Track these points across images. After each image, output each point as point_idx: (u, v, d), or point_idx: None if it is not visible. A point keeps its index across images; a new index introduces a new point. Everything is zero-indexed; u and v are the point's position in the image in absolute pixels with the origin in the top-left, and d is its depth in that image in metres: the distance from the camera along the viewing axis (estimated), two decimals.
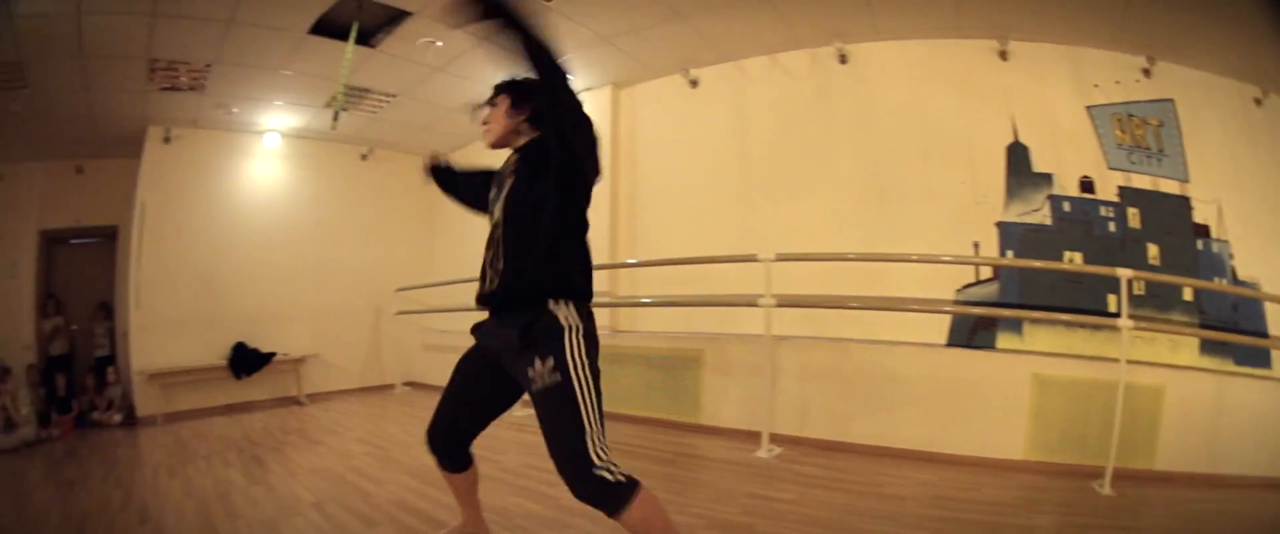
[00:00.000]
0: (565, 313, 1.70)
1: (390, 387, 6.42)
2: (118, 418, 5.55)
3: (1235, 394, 3.49)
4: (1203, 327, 3.91)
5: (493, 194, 1.85)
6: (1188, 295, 3.95)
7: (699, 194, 4.93)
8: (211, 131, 5.95)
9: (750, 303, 3.65)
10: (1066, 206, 4.01)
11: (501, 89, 1.86)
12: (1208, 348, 3.84)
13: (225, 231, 5.98)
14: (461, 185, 2.20)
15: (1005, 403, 3.49)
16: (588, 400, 1.64)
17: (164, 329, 5.64)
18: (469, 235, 6.33)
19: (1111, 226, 4.00)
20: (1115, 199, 4.01)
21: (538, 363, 1.65)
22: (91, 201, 6.26)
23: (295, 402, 5.96)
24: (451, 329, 6.07)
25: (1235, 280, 4.00)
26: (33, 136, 5.60)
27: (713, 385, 4.19)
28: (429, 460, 2.66)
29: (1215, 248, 4.02)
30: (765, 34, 4.36)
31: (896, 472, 3.27)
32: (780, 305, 3.60)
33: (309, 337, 6.16)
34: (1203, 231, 4.05)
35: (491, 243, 1.79)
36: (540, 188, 1.70)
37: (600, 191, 4.05)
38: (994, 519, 2.58)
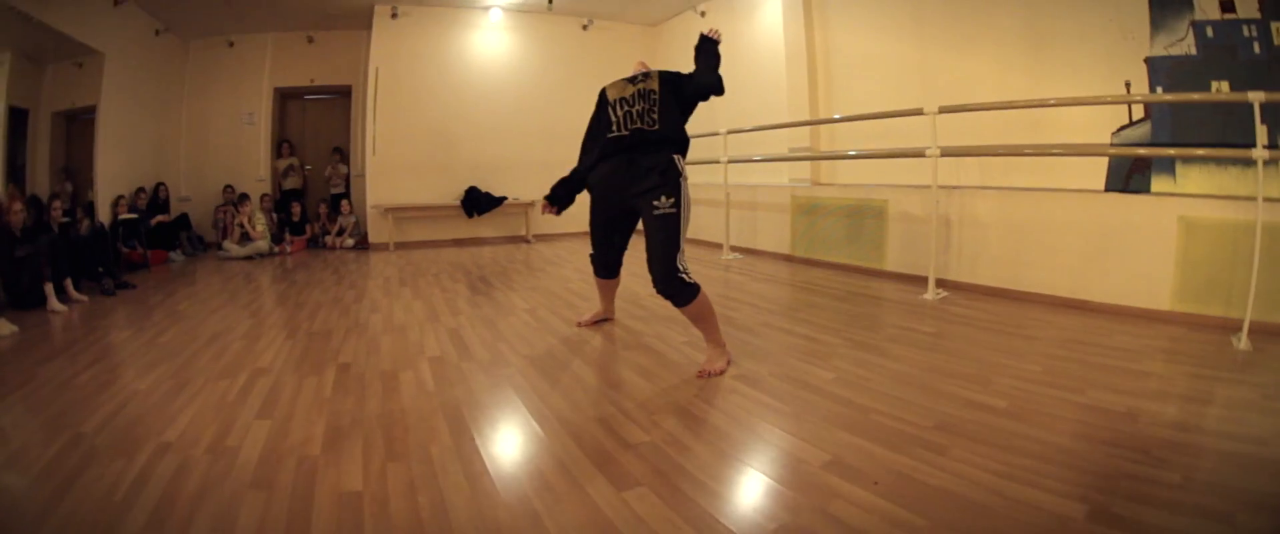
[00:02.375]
0: (681, 164, 2.84)
1: None
2: (351, 242, 7.08)
3: None
4: None
5: (629, 98, 2.95)
6: None
7: (885, 50, 5.65)
8: (436, 8, 7.09)
9: (918, 154, 4.29)
10: (1209, 32, 3.93)
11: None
12: None
13: (456, 93, 7.24)
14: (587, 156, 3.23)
15: (1153, 249, 3.68)
16: (683, 228, 2.72)
17: (399, 172, 7.00)
18: None
19: (1256, 47, 3.82)
20: (1257, 16, 3.82)
21: (663, 198, 2.72)
22: (322, 66, 7.69)
23: (523, 240, 7.45)
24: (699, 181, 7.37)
25: None
26: (265, 11, 6.89)
27: (895, 233, 5.05)
28: (638, 288, 4.06)
29: None
30: None
31: (1042, 316, 3.70)
32: (944, 155, 4.24)
33: (539, 186, 7.20)
34: None
35: (645, 100, 2.90)
36: (679, 98, 2.93)
37: (796, 54, 6.09)
38: (1113, 363, 2.74)
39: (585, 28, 7.82)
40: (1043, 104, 4.30)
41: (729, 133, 6.08)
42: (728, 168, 6.12)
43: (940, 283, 4.41)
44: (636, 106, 2.87)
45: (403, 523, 1.48)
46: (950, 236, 4.52)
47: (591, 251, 3.33)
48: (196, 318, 3.89)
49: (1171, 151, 3.89)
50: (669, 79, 2.94)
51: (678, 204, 2.72)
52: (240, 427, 2.13)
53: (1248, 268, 3.14)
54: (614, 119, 2.92)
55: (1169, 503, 1.53)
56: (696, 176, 6.57)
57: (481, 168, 7.37)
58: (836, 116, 5.76)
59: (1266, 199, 3.09)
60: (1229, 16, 3.89)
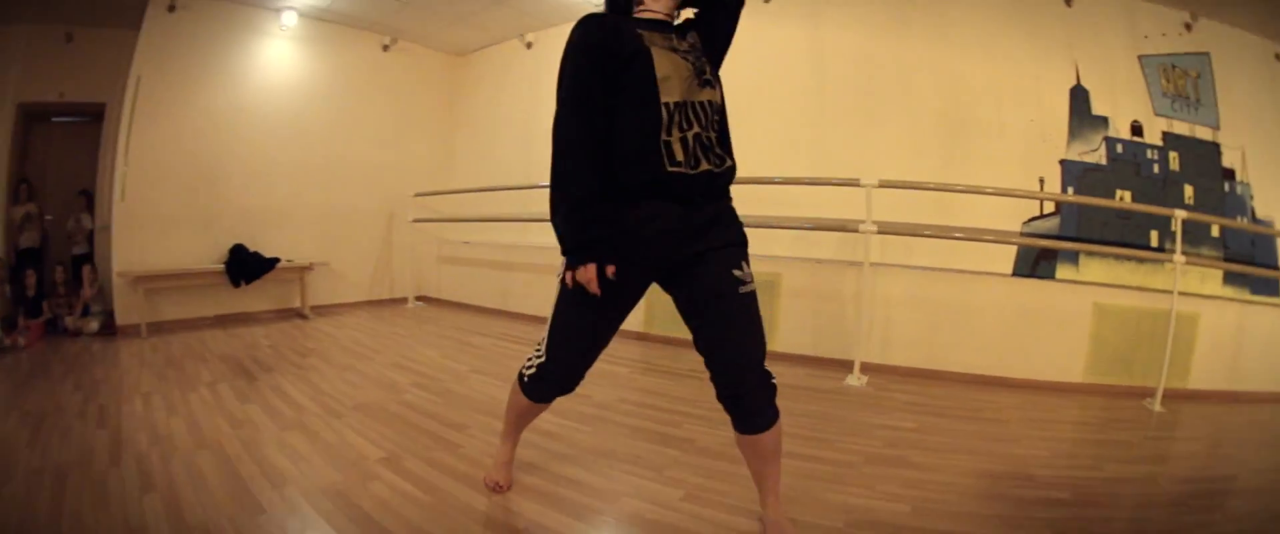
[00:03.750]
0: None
1: (402, 301, 6.48)
2: (94, 325, 5.22)
3: (1254, 320, 4.53)
4: (1226, 260, 4.75)
5: (666, 66, 1.65)
6: (1215, 232, 4.75)
7: (772, 115, 5.15)
8: (224, 3, 5.66)
9: (849, 228, 4.04)
10: (1119, 148, 4.65)
11: None
12: (1229, 279, 4.71)
13: (230, 118, 5.71)
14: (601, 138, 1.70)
15: (1068, 330, 4.20)
16: None
17: (152, 225, 5.32)
18: (495, 137, 6.52)
19: (1156, 169, 4.70)
20: (1160, 143, 4.71)
21: (744, 266, 1.74)
22: (77, 76, 5.82)
23: (299, 315, 5.84)
24: (475, 240, 6.28)
25: (1254, 219, 4.86)
26: None
27: (789, 311, 4.59)
28: (494, 392, 3.07)
29: (1239, 190, 4.82)
30: None
31: (983, 396, 3.77)
32: (881, 232, 3.99)
33: (316, 242, 6.06)
34: (1229, 175, 4.84)
35: (696, 114, 1.68)
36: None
37: None
38: (1084, 434, 3.17)
39: (386, 48, 6.60)
40: (979, 191, 4.32)
41: None
42: None
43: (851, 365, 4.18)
44: (701, 118, 1.69)
45: None
46: (861, 316, 4.21)
47: (549, 358, 1.93)
48: None
49: (1106, 248, 4.47)
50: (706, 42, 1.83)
51: (751, 277, 1.77)
52: None
53: (1150, 344, 4.07)
54: (670, 128, 1.65)
55: None
56: (528, 237, 5.86)
57: (251, 220, 5.77)
58: (777, 177, 5.03)
59: (1162, 290, 4.08)
60: (1137, 139, 4.67)
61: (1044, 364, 4.23)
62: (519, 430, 2.16)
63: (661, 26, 1.73)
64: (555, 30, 6.24)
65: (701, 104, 1.67)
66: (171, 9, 5.33)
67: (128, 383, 3.40)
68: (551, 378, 1.93)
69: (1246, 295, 4.71)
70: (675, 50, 1.68)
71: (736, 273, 1.70)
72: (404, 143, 6.78)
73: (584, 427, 2.79)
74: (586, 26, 1.68)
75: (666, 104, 1.62)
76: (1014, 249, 4.55)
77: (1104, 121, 4.64)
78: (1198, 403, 4.02)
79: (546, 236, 5.27)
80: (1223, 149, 4.82)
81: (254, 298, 5.68)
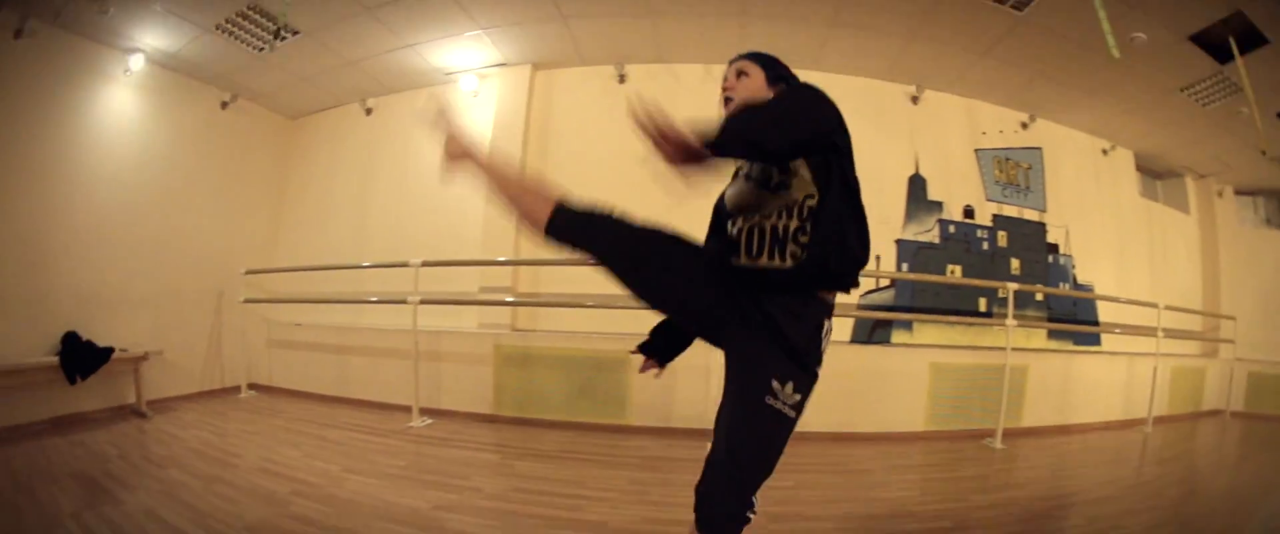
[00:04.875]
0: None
1: (235, 390, 6.34)
2: None
3: (1078, 367, 6.17)
4: (1051, 320, 6.36)
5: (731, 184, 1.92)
6: (1039, 297, 6.31)
7: (618, 194, 5.63)
8: (71, 35, 5.31)
9: None
10: (951, 229, 5.97)
11: (753, 59, 1.94)
12: (1053, 335, 6.30)
13: (64, 177, 5.29)
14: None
15: (908, 387, 5.37)
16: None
17: None
18: (329, 210, 7.10)
19: (985, 246, 6.10)
20: (990, 224, 6.12)
21: (790, 385, 1.66)
22: None
23: (137, 412, 5.48)
24: (307, 322, 6.44)
25: (1076, 285, 6.54)
26: None
27: (641, 386, 5.10)
28: (378, 493, 3.36)
29: (1062, 261, 6.46)
30: (714, 43, 5.50)
31: (843, 450, 4.57)
32: None
33: (147, 328, 5.81)
34: (1053, 249, 6.45)
35: (795, 208, 1.69)
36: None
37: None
38: (941, 473, 4.12)
39: (225, 105, 6.48)
40: None
41: (423, 265, 5.38)
42: (418, 310, 5.28)
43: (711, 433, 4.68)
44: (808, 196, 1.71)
45: None
46: (714, 384, 4.64)
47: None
48: None
49: (942, 318, 5.85)
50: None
51: (802, 405, 1.68)
52: None
53: (985, 394, 5.24)
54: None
55: None
56: (363, 319, 6.19)
57: (84, 303, 5.44)
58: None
59: (1001, 348, 5.14)
60: (969, 221, 6.00)
61: (889, 417, 5.28)
62: None
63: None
64: (396, 96, 6.65)
65: (754, 222, 1.77)
66: (18, 35, 4.93)
67: None
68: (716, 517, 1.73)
69: (1070, 347, 6.33)
70: (741, 176, 1.92)
71: (774, 385, 1.64)
72: (235, 214, 6.76)
73: (496, 523, 2.97)
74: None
75: (735, 233, 1.82)
76: (851, 321, 5.79)
77: (939, 205, 5.92)
78: (1035, 438, 5.42)
79: (383, 318, 5.93)
80: (1048, 227, 6.36)
81: (88, 396, 5.29)
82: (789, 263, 1.65)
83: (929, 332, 5.92)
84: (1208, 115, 6.03)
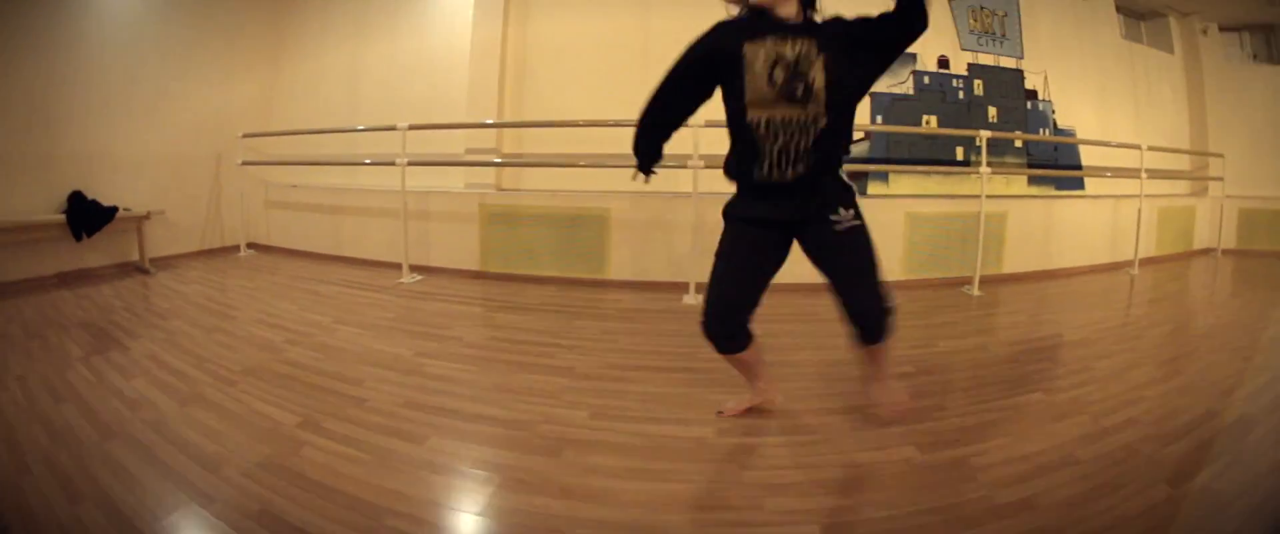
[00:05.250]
0: (846, 176, 2.24)
1: (234, 249, 6.73)
2: None
3: (1059, 212, 6.30)
4: (1030, 166, 6.48)
5: (763, 56, 2.01)
6: (1018, 143, 6.42)
7: (598, 59, 5.94)
8: None
9: (680, 165, 4.74)
10: (926, 80, 6.03)
11: None
12: (1033, 181, 6.50)
13: (66, 45, 5.51)
14: (674, 109, 2.35)
15: (884, 237, 5.13)
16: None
17: None
18: (320, 77, 7.24)
19: (961, 95, 6.15)
20: (965, 73, 6.15)
21: (842, 210, 2.14)
22: None
23: (140, 269, 5.91)
24: (303, 183, 6.74)
25: (1056, 130, 6.63)
26: None
27: (621, 242, 5.41)
28: (366, 342, 3.68)
29: (1041, 107, 6.53)
30: None
31: (811, 300, 4.32)
32: (707, 167, 4.72)
33: (150, 189, 6.09)
34: (1032, 95, 6.49)
35: (781, 129, 2.04)
36: (862, 69, 2.06)
37: (487, 45, 5.86)
38: (914, 321, 4.26)
39: None
40: None
41: (410, 128, 5.59)
42: (406, 171, 5.55)
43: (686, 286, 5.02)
44: (786, 132, 2.06)
45: None
46: (694, 243, 4.84)
47: (705, 299, 2.36)
48: None
49: (921, 167, 5.97)
50: (840, 34, 2.03)
51: (860, 216, 2.22)
52: None
53: (962, 242, 5.44)
54: (758, 142, 2.10)
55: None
56: (341, 179, 6.45)
57: (88, 164, 5.59)
58: (572, 120, 5.55)
59: (978, 196, 5.23)
60: (943, 71, 6.07)
61: None
62: (747, 375, 2.60)
63: (780, 30, 2.03)
64: None
65: (785, 121, 2.03)
66: None
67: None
68: (708, 328, 2.32)
69: (1052, 192, 6.50)
70: (776, 62, 2.00)
71: (833, 219, 2.14)
72: (232, 79, 6.90)
73: (473, 367, 3.23)
74: (705, 34, 2.16)
75: (752, 122, 2.06)
76: None
77: (912, 57, 5.94)
78: (1015, 284, 5.68)
79: (375, 178, 6.37)
80: (1026, 74, 6.38)
81: (93, 253, 5.70)
82: (803, 171, 2.05)
83: (905, 182, 6.05)
84: None
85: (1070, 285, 5.75)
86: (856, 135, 5.63)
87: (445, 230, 5.77)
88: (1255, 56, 8.34)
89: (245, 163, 6.55)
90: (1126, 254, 6.46)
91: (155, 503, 1.92)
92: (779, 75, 1.99)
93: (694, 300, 4.80)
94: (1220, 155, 7.85)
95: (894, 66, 4.60)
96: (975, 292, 5.27)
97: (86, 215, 5.54)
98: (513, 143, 6.07)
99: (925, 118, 6.04)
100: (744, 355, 2.44)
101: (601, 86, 5.87)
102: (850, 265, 2.21)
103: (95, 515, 1.83)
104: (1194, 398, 2.89)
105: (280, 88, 7.38)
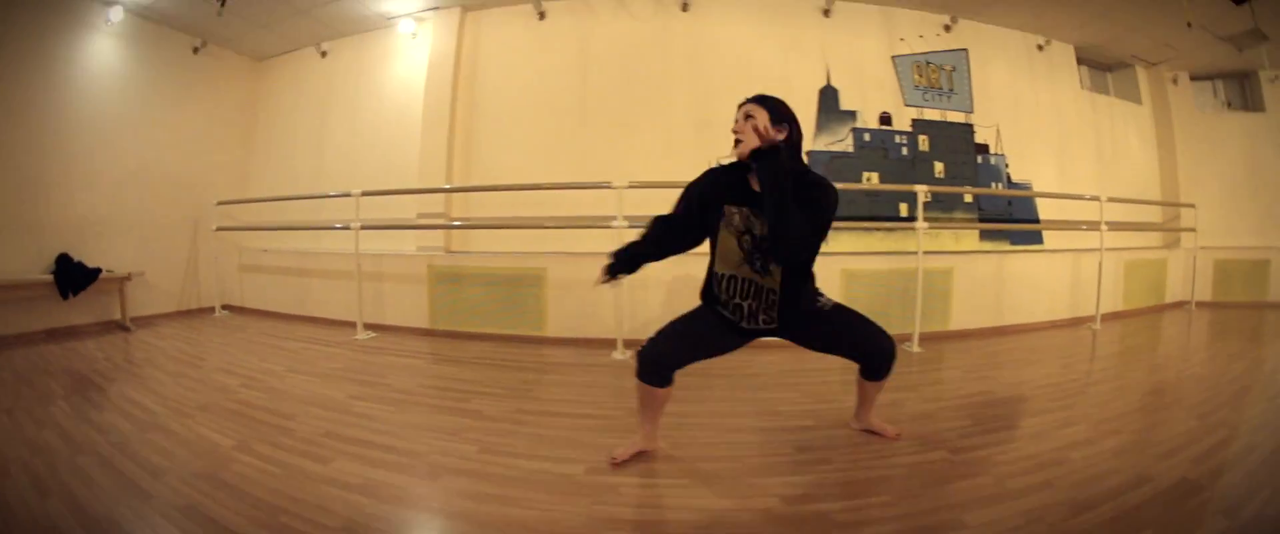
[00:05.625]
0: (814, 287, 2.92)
1: (210, 310, 7.68)
2: None
3: (1013, 267, 6.61)
4: (982, 220, 6.91)
5: (738, 222, 2.73)
6: (969, 198, 6.88)
7: (537, 123, 6.74)
8: None
9: (602, 225, 5.45)
10: (867, 137, 6.57)
11: (759, 102, 2.69)
12: (987, 236, 6.92)
13: (53, 119, 6.59)
14: (666, 245, 3.00)
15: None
16: None
17: None
18: (291, 147, 8.21)
19: (904, 151, 6.69)
20: (909, 129, 6.71)
21: (820, 297, 2.89)
22: None
23: (121, 327, 6.85)
24: (273, 247, 7.60)
25: (1010, 184, 7.07)
26: None
27: (556, 300, 6.00)
28: (312, 387, 4.34)
29: (993, 161, 7.03)
30: None
31: (746, 358, 4.46)
32: (631, 227, 5.28)
33: (132, 252, 7.06)
34: (983, 149, 7.00)
35: (744, 287, 2.83)
36: (811, 218, 2.54)
37: (437, 114, 6.91)
38: (837, 376, 4.52)
39: (196, 50, 7.67)
40: None
41: (363, 194, 6.46)
42: (360, 235, 6.39)
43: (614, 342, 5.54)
44: (748, 290, 2.83)
45: None
46: (620, 300, 5.53)
47: (653, 339, 2.90)
48: None
49: (854, 224, 6.54)
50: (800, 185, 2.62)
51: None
52: None
53: (902, 299, 5.81)
54: (725, 288, 2.88)
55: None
56: (306, 243, 7.27)
57: (74, 229, 6.61)
58: (513, 184, 6.28)
59: (911, 252, 5.78)
60: (885, 128, 6.65)
61: None
62: (646, 416, 3.04)
63: (755, 202, 2.67)
64: (347, 40, 7.70)
65: (747, 282, 2.78)
66: None
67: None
68: (646, 354, 2.83)
69: (1005, 247, 6.96)
70: (745, 231, 2.72)
71: (816, 305, 2.87)
72: (208, 152, 7.90)
73: (393, 409, 3.85)
74: (699, 180, 2.86)
75: (718, 275, 2.84)
76: None
77: (852, 115, 6.52)
78: (962, 341, 5.99)
79: (337, 242, 7.27)
80: (976, 128, 6.92)
81: (78, 311, 6.63)
82: (764, 323, 2.82)
83: (846, 240, 6.49)
84: None
85: (1023, 341, 5.95)
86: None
87: (398, 291, 6.49)
88: (1229, 104, 8.78)
89: (219, 228, 7.45)
90: (1089, 309, 6.80)
91: (108, 499, 2.63)
92: (746, 244, 2.70)
93: (622, 356, 5.31)
94: (1192, 206, 8.22)
95: (833, 127, 5.45)
96: (915, 348, 5.54)
97: (72, 276, 6.43)
98: (461, 208, 6.79)
99: (866, 175, 6.50)
100: (658, 393, 2.89)
101: (542, 151, 6.61)
102: (849, 321, 2.90)
103: (59, 507, 2.52)
104: (1126, 461, 2.91)
105: (254, 157, 8.35)
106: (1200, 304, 8.18)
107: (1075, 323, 6.81)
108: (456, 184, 6.73)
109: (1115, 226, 6.94)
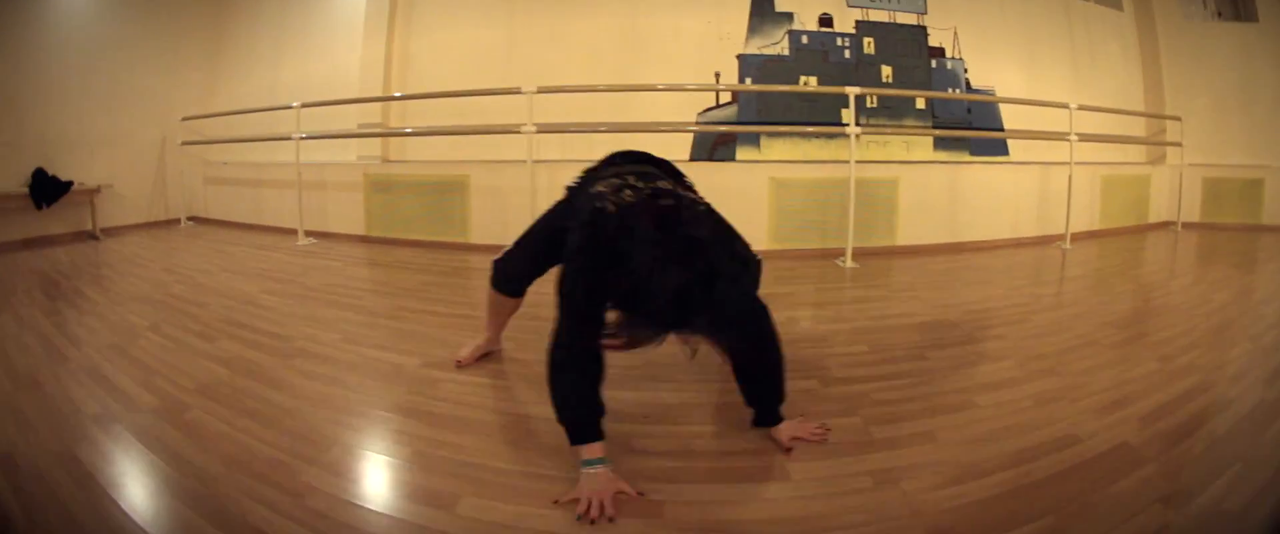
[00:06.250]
0: None
1: (175, 221, 8.90)
2: None
3: (971, 178, 6.83)
4: (935, 127, 7.16)
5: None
6: (921, 104, 7.18)
7: (466, 33, 7.56)
8: None
9: (513, 130, 6.05)
10: (804, 40, 6.96)
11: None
12: (942, 145, 7.16)
13: (24, 39, 7.99)
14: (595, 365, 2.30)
15: (748, 205, 6.11)
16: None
17: None
18: (252, 64, 9.28)
19: (846, 54, 7.01)
20: (852, 31, 7.07)
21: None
22: None
23: (91, 236, 8.21)
24: (233, 160, 8.70)
25: (969, 89, 7.33)
26: None
27: (479, 207, 6.73)
28: (234, 284, 5.18)
29: (950, 66, 7.29)
30: None
31: None
32: (540, 132, 6.03)
33: (103, 166, 8.26)
34: (938, 53, 7.24)
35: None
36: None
37: (376, 29, 8.11)
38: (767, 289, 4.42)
39: None
40: (651, 88, 6.79)
41: (303, 106, 7.36)
42: (300, 145, 7.37)
43: None
44: None
45: None
46: (531, 205, 5.90)
47: (509, 251, 3.12)
48: None
49: (777, 128, 7.17)
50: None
51: None
52: None
53: (839, 210, 6.08)
54: None
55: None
56: (262, 155, 8.11)
57: (48, 145, 8.04)
58: (427, 92, 7.36)
59: (855, 161, 5.88)
60: (825, 30, 7.03)
61: None
62: (493, 320, 3.40)
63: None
64: None
65: None
66: None
67: None
68: (499, 265, 3.14)
69: (965, 157, 7.24)
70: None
71: None
72: (173, 69, 9.08)
73: (292, 302, 4.64)
74: (593, 263, 2.16)
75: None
76: (690, 138, 7.02)
77: (789, 16, 6.94)
78: (910, 257, 6.24)
79: (288, 154, 8.05)
80: (929, 31, 7.22)
81: (53, 222, 7.95)
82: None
83: (780, 147, 6.95)
84: None
85: (980, 260, 6.03)
86: None
87: (339, 199, 7.38)
88: (1220, 14, 8.92)
89: (185, 143, 8.52)
90: (1060, 227, 6.85)
91: (35, 362, 3.52)
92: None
93: None
94: (1177, 118, 8.39)
95: (768, 29, 6.29)
96: (848, 263, 5.72)
97: (46, 188, 7.63)
98: (399, 118, 7.71)
99: (804, 79, 6.90)
100: (508, 302, 3.26)
101: (473, 62, 7.56)
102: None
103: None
104: (1052, 412, 2.58)
105: (220, 74, 9.47)
106: (1187, 225, 8.36)
107: (1043, 241, 6.97)
108: (393, 93, 7.61)
109: (1088, 138, 7.01)
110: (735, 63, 7.06)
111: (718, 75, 7.03)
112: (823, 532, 1.84)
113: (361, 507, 1.99)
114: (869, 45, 7.23)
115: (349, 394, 2.98)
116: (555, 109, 6.38)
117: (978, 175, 7.01)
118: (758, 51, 7.05)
